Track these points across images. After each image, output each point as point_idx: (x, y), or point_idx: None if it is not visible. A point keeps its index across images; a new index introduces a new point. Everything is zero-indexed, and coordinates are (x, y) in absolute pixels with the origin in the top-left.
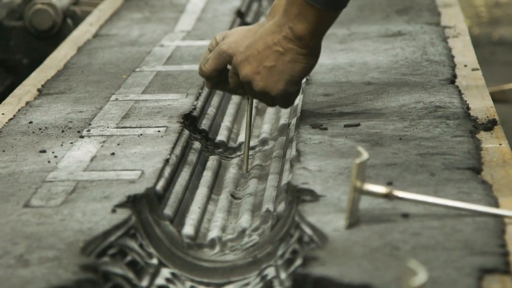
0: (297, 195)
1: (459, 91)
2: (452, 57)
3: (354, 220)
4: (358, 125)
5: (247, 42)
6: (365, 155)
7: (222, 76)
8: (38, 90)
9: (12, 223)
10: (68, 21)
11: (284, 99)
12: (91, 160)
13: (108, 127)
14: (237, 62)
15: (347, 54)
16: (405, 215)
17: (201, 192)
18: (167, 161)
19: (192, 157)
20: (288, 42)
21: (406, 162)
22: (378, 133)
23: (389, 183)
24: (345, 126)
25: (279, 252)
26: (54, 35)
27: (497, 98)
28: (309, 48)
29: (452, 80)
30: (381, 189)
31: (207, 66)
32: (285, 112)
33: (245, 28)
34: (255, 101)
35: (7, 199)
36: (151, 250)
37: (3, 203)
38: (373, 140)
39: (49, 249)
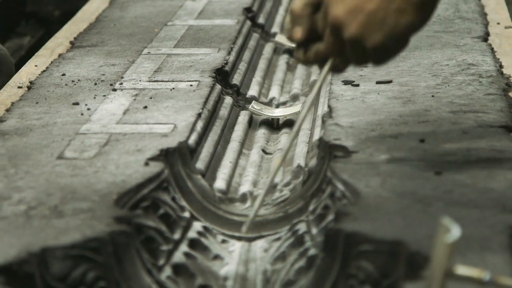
0: (329, 151)
1: (492, 49)
2: (485, 14)
3: None
4: (390, 81)
5: None
6: (455, 231)
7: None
8: (71, 42)
9: (47, 174)
10: None
11: (379, 54)
12: (124, 113)
13: (140, 80)
14: None
15: None
16: (438, 173)
17: (233, 146)
18: (199, 115)
19: (223, 111)
20: None
21: (438, 120)
22: (410, 90)
23: (422, 140)
24: (377, 82)
25: (311, 208)
26: None
27: None
28: (422, 0)
29: (485, 37)
30: (477, 273)
31: (296, 1)
32: (316, 68)
33: None
34: (284, 57)
35: (41, 150)
36: (183, 203)
37: (37, 155)
38: (405, 97)
39: (83, 201)
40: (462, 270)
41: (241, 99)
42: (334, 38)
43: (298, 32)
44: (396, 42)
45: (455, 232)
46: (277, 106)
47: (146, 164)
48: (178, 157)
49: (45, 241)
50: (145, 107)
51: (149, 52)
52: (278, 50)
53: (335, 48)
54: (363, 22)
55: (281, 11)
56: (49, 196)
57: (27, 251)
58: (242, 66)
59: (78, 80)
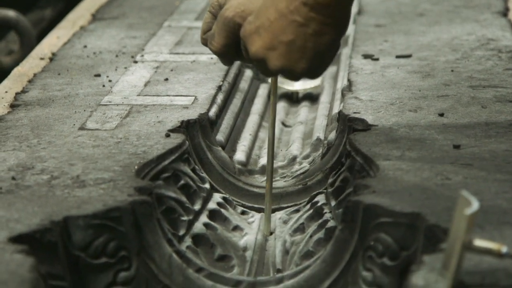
0: (348, 124)
1: None
2: None
3: (457, 283)
4: (410, 56)
5: (255, 6)
6: (474, 204)
7: (239, 48)
8: (92, 15)
9: (69, 144)
10: None
11: (308, 76)
12: (145, 85)
13: (161, 53)
14: (245, 34)
15: None
16: (456, 146)
17: (253, 119)
18: (219, 87)
19: (243, 84)
20: (309, 11)
21: (457, 94)
22: (429, 64)
23: (441, 114)
24: (397, 57)
25: (330, 180)
26: None
27: None
28: (336, 18)
29: (505, 13)
30: (495, 246)
31: (214, 44)
32: None
33: None
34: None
35: (63, 121)
36: (204, 174)
37: (59, 125)
38: (425, 71)
39: (104, 171)
40: (481, 242)
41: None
42: (262, 69)
43: (225, 62)
44: (324, 60)
45: (474, 204)
46: None
47: (167, 135)
48: (198, 129)
49: (67, 210)
50: (166, 79)
51: (170, 25)
52: None
53: (267, 75)
54: (284, 53)
55: None
56: (71, 166)
57: (50, 220)
58: None
59: (100, 52)
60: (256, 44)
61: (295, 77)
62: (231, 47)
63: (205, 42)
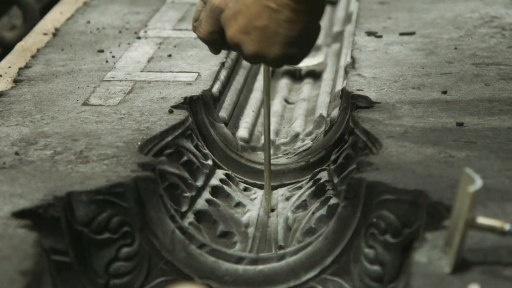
0: (351, 101)
1: None
2: None
3: (460, 260)
4: (413, 33)
5: None
6: (478, 181)
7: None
8: None
9: (72, 120)
10: None
11: (284, 63)
12: (148, 61)
13: (164, 29)
14: (223, 19)
15: None
16: (460, 124)
17: (255, 96)
18: (223, 64)
19: None
20: None
21: (461, 72)
22: (433, 42)
23: (444, 92)
24: (400, 34)
25: (332, 157)
26: None
27: None
28: (308, 4)
29: None
30: (499, 223)
31: (201, 30)
32: (338, 19)
33: None
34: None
35: (67, 96)
36: (206, 151)
37: (62, 101)
38: (428, 49)
39: (108, 147)
40: (484, 220)
41: None
42: (240, 54)
43: (213, 50)
44: (296, 47)
45: (478, 182)
46: None
47: (170, 111)
48: (201, 105)
49: (70, 185)
50: (169, 55)
51: (173, 1)
52: None
53: (245, 60)
54: (257, 38)
55: None
56: (74, 142)
57: (53, 196)
58: None
59: (103, 27)
60: (232, 29)
61: (271, 63)
62: (217, 34)
63: (194, 30)
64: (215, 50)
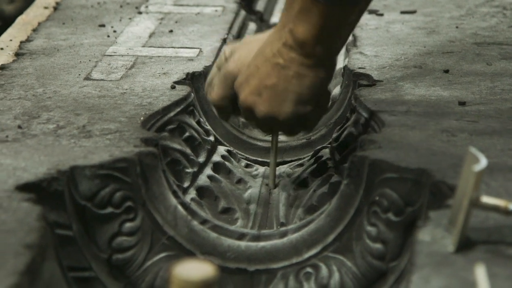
0: (353, 79)
1: None
2: None
3: (464, 239)
4: (414, 12)
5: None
6: (482, 160)
7: (236, 102)
8: None
9: (74, 94)
10: None
11: (296, 125)
12: (150, 36)
13: (166, 4)
14: (237, 84)
15: None
16: (462, 103)
17: None
18: (224, 40)
19: None
20: (289, 51)
21: (462, 51)
22: (434, 21)
23: (446, 71)
24: (402, 12)
25: (334, 135)
26: None
27: None
28: (316, 58)
29: None
30: (503, 203)
31: (213, 94)
32: None
33: (259, 37)
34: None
35: (69, 71)
36: (208, 127)
37: (64, 75)
38: (430, 27)
39: (111, 122)
40: (488, 199)
41: (264, 26)
42: (252, 121)
43: (222, 116)
44: (307, 105)
45: (482, 161)
46: None
47: (173, 87)
48: (203, 81)
49: (74, 160)
50: (171, 31)
51: None
52: None
53: (261, 128)
54: (268, 97)
55: None
56: (77, 116)
57: (57, 169)
58: None
59: (104, 2)
60: (245, 92)
61: (283, 125)
62: (228, 100)
63: (207, 93)
64: (225, 116)
